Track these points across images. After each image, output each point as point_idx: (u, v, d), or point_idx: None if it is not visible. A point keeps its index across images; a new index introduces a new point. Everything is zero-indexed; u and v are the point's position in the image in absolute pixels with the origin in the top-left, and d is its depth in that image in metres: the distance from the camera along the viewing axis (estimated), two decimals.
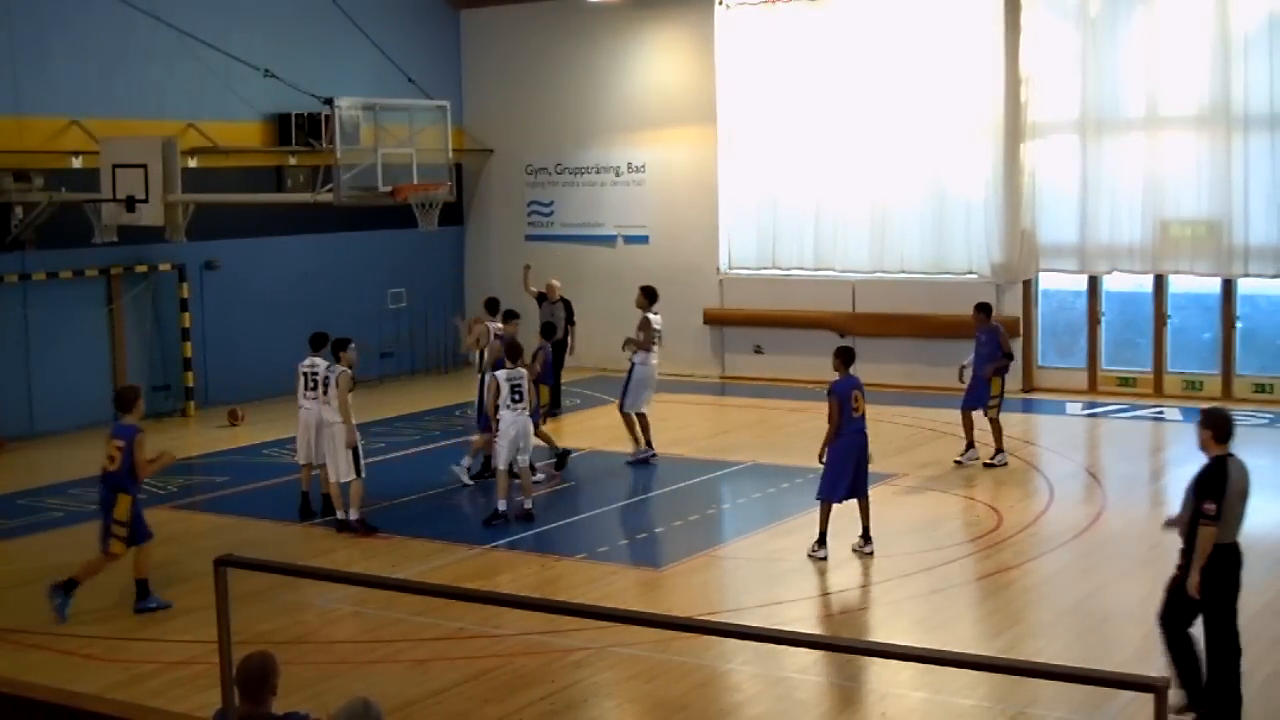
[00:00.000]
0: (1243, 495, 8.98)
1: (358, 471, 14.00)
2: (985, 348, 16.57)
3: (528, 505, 14.45)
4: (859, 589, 12.35)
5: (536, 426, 16.00)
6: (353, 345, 14.33)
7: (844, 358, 13.20)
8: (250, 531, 14.38)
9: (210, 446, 18.79)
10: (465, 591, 11.32)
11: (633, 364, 17.14)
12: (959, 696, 9.52)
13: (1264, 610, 11.37)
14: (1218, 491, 8.76)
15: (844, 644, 8.37)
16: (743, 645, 10.29)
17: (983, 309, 16.77)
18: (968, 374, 16.65)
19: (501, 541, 13.81)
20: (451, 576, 12.32)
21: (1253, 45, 19.58)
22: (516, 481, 14.54)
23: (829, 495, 12.98)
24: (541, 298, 20.22)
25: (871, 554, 12.93)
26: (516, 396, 14.37)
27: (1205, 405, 11.19)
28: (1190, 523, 8.92)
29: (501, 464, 14.37)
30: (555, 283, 20.34)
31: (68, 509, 15.45)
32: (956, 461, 16.40)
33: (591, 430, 18.48)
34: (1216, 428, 8.99)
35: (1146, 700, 4.55)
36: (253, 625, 10.85)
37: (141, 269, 20.37)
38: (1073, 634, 11.02)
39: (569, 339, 20.02)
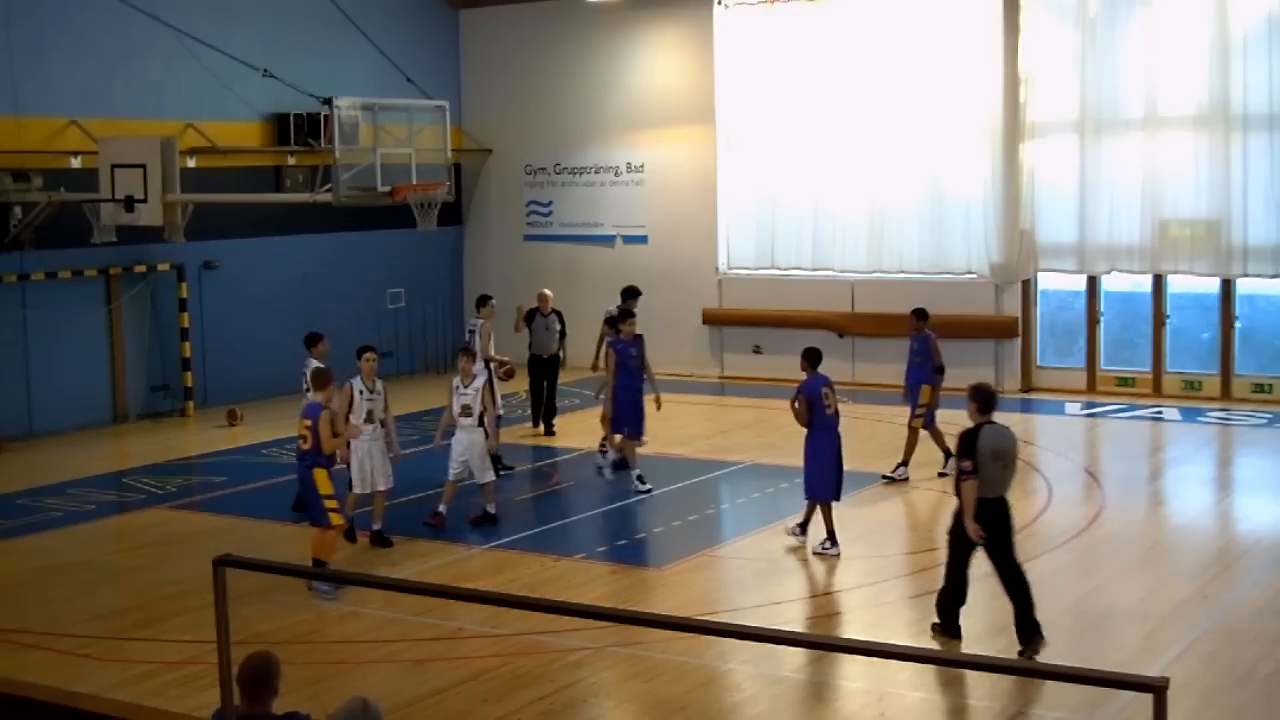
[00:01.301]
0: (997, 456, 10.36)
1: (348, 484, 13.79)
2: (917, 355, 15.98)
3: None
4: (858, 589, 12.34)
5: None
6: (370, 353, 13.67)
7: (811, 359, 13.42)
8: (249, 531, 14.37)
9: (209, 446, 18.80)
10: (465, 591, 11.31)
11: None
12: (959, 696, 9.52)
13: (1264, 609, 11.38)
14: (970, 451, 10.30)
15: (844, 644, 8.36)
16: (742, 645, 10.29)
17: (918, 314, 16.13)
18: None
19: (501, 541, 13.81)
20: (451, 576, 12.32)
21: (1252, 45, 19.58)
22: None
23: (824, 495, 13.12)
24: (533, 313, 18.88)
25: (838, 555, 12.97)
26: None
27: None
28: (956, 481, 10.54)
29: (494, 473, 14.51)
30: (548, 293, 19.14)
31: (66, 509, 15.45)
32: (941, 474, 15.59)
33: (592, 430, 18.44)
34: (979, 401, 10.57)
35: (1146, 700, 4.56)
36: (252, 625, 10.84)
37: (140, 269, 20.36)
38: (1072, 634, 11.02)
39: (560, 353, 18.93)
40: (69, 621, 11.57)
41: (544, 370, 19.03)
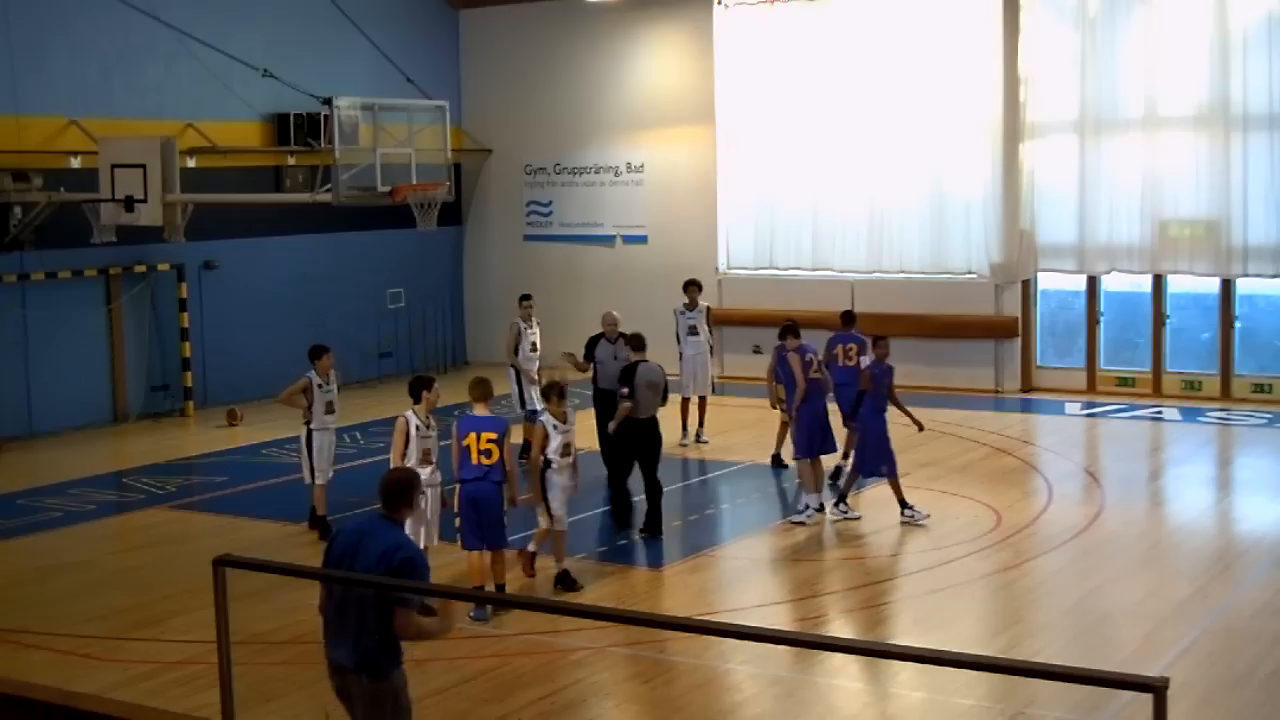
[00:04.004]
0: (650, 386, 13.64)
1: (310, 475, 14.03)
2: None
3: None
4: (858, 589, 12.34)
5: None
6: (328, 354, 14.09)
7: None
8: (249, 531, 14.36)
9: (209, 446, 18.79)
10: (466, 592, 11.32)
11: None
12: (959, 696, 9.52)
13: (1264, 609, 11.38)
14: (629, 381, 13.55)
15: (844, 644, 8.36)
16: (742, 645, 10.29)
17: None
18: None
19: None
20: (451, 577, 12.30)
21: (1251, 45, 19.57)
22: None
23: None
24: (596, 340, 15.88)
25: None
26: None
27: None
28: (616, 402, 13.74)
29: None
30: (615, 314, 15.99)
31: (67, 509, 15.44)
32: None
33: (592, 430, 18.41)
34: (632, 345, 14.16)
35: (1146, 700, 4.56)
36: (252, 625, 10.84)
37: (140, 269, 20.35)
38: (1072, 634, 11.02)
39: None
40: (69, 621, 11.56)
41: (614, 408, 15.33)
